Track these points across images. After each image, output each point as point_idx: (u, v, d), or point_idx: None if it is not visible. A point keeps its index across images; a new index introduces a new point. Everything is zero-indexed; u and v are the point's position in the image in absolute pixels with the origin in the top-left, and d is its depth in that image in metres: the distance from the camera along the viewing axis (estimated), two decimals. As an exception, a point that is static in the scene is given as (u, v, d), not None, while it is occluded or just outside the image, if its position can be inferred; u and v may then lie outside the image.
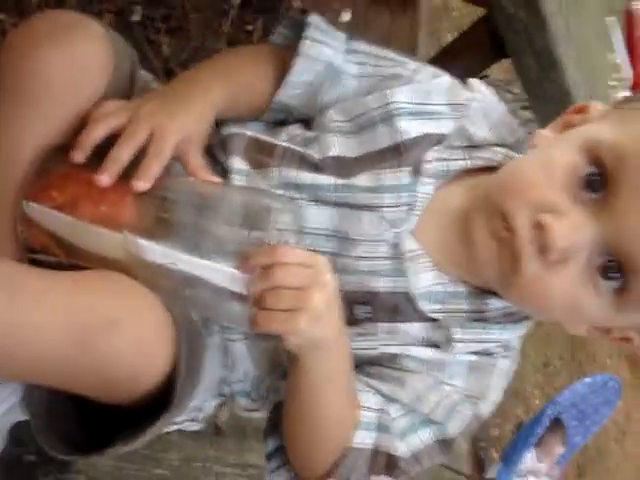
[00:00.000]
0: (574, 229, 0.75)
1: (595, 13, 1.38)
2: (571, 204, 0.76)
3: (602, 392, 3.21)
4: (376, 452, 0.85)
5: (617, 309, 0.78)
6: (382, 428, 0.85)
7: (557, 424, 3.07)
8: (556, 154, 0.79)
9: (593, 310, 0.79)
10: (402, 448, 0.85)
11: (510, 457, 2.88)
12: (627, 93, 1.46)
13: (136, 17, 1.58)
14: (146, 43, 1.60)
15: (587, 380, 3.20)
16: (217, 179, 0.84)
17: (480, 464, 2.87)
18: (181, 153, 0.82)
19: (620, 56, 1.46)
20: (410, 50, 2.02)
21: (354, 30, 1.89)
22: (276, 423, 0.90)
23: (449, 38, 2.84)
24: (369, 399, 0.86)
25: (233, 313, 0.75)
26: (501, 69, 1.85)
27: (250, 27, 1.85)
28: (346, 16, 2.05)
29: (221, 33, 1.78)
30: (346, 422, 0.84)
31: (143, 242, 0.73)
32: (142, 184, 0.76)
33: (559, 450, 3.09)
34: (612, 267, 0.76)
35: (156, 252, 0.72)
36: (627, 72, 1.48)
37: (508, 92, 2.73)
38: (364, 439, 0.84)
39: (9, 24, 1.35)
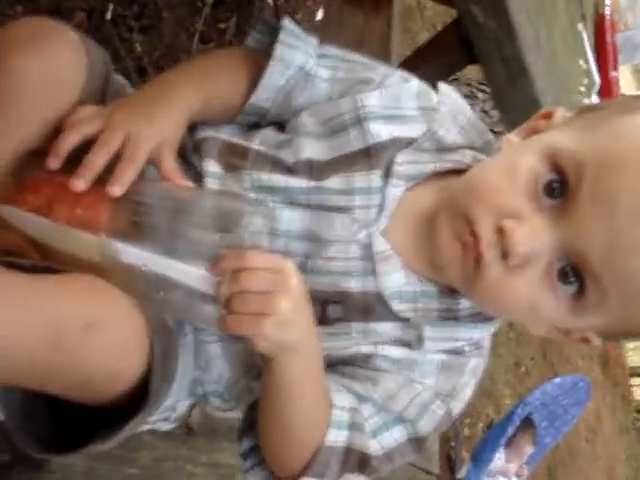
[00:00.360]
0: (534, 235, 0.77)
1: (566, 20, 1.40)
2: (532, 210, 0.78)
3: (572, 393, 3.24)
4: (349, 450, 0.85)
5: (574, 312, 0.79)
6: (355, 427, 0.86)
7: (527, 424, 3.10)
8: (520, 160, 0.81)
9: (551, 313, 0.80)
10: (374, 446, 0.86)
11: (480, 457, 2.90)
12: (595, 98, 1.48)
13: (108, 15, 1.58)
14: (118, 41, 1.59)
15: (557, 380, 3.23)
16: (190, 183, 0.84)
17: (450, 464, 2.88)
18: (155, 157, 0.82)
19: (590, 61, 1.48)
20: (384, 49, 2.03)
21: (328, 30, 1.91)
22: (251, 423, 0.90)
23: (424, 36, 2.86)
24: (342, 398, 0.87)
25: (205, 315, 0.76)
26: (475, 68, 1.87)
27: (223, 25, 1.86)
28: (319, 14, 2.06)
29: (194, 31, 1.78)
30: (319, 421, 0.85)
31: (118, 244, 0.73)
32: (117, 189, 0.77)
33: (529, 450, 3.12)
34: (570, 272, 0.78)
35: (131, 254, 0.73)
36: (596, 77, 1.50)
37: (481, 91, 2.76)
38: (337, 437, 0.85)
39: (-20, 22, 1.34)
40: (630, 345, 7.80)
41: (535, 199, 0.78)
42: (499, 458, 2.98)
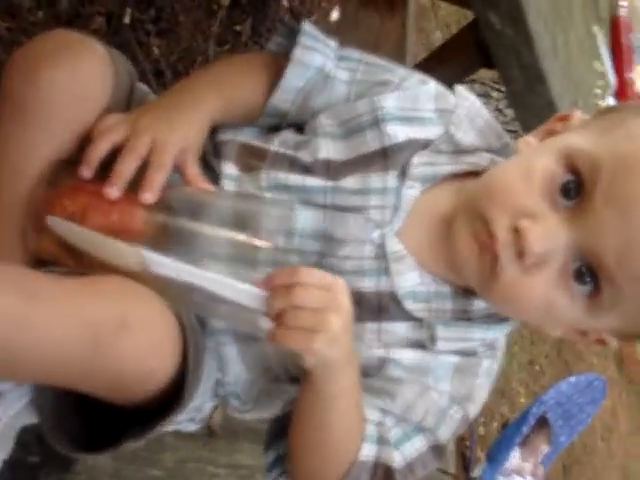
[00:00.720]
0: (549, 235, 0.78)
1: (582, 23, 1.40)
2: (548, 210, 0.79)
3: (587, 391, 3.23)
4: (377, 465, 0.86)
5: (589, 312, 0.80)
6: (382, 441, 0.87)
7: (542, 423, 3.09)
8: (536, 161, 0.82)
9: (567, 313, 0.81)
10: (397, 458, 0.87)
11: (495, 456, 2.89)
12: (611, 100, 1.48)
13: (126, 19, 1.59)
14: (136, 45, 1.60)
15: (572, 379, 3.22)
16: (212, 187, 0.86)
17: (465, 463, 2.88)
18: (179, 162, 0.84)
19: (605, 64, 1.48)
20: (399, 49, 2.04)
21: (344, 31, 1.91)
22: (276, 434, 0.92)
23: (437, 35, 2.86)
24: (369, 412, 0.87)
25: (244, 321, 0.78)
26: (489, 67, 1.87)
27: (239, 28, 1.86)
28: (334, 15, 2.07)
29: (210, 34, 1.79)
30: (355, 435, 0.85)
31: (155, 256, 0.75)
32: (149, 196, 0.79)
33: (544, 449, 3.11)
34: (586, 272, 0.79)
35: (168, 266, 0.75)
36: (611, 79, 1.50)
37: (495, 90, 2.75)
38: (369, 452, 0.86)
39: (3, 28, 1.35)
40: (645, 343, 7.74)
41: (551, 199, 0.79)
42: (514, 457, 2.97)
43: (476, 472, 2.87)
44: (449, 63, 1.42)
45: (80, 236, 0.77)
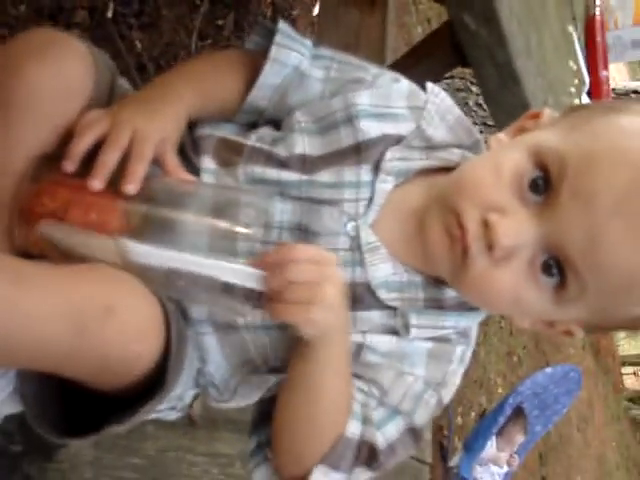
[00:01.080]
0: (518, 228, 0.80)
1: (556, 23, 1.42)
2: (517, 205, 0.81)
3: (563, 382, 3.27)
4: (361, 443, 0.88)
5: (557, 304, 0.83)
6: (366, 420, 0.89)
7: (519, 413, 3.13)
8: (506, 157, 0.84)
9: (534, 304, 0.84)
10: (380, 439, 0.89)
11: (472, 445, 2.92)
12: (584, 98, 1.51)
13: (109, 13, 1.60)
14: (119, 39, 1.61)
15: (548, 370, 3.26)
16: (192, 177, 0.88)
17: (443, 453, 2.91)
18: (159, 153, 0.86)
19: (580, 62, 1.51)
20: (379, 44, 2.05)
21: (325, 26, 1.93)
22: (259, 421, 0.94)
23: (418, 30, 2.88)
24: (354, 393, 0.90)
25: (229, 304, 0.80)
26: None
27: (221, 22, 1.87)
28: (316, 10, 2.08)
29: (192, 28, 1.80)
30: (343, 411, 0.88)
31: (144, 247, 0.76)
32: (131, 187, 0.80)
33: (520, 439, 3.15)
34: (553, 265, 0.81)
35: (156, 256, 0.76)
36: (585, 77, 1.52)
37: (475, 85, 2.77)
38: (354, 429, 0.88)
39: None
40: (621, 334, 7.83)
41: (520, 194, 0.81)
42: (491, 447, 3.01)
43: (453, 461, 2.90)
44: (426, 61, 1.44)
45: (64, 236, 0.79)
